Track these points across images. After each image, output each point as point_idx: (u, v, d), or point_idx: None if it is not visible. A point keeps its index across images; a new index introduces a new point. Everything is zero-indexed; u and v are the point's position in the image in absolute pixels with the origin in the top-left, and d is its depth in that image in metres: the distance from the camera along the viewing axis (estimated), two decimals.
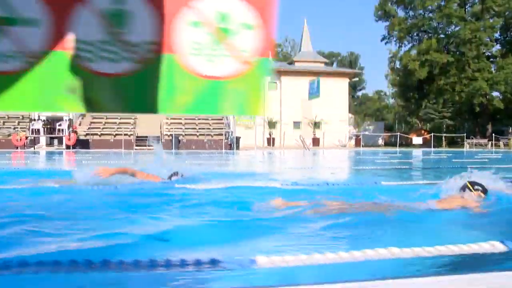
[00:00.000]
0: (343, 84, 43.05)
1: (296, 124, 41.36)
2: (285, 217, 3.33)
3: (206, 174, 5.87)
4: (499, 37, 44.51)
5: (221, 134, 29.91)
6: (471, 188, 3.75)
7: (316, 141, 38.96)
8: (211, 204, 3.89)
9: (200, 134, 30.77)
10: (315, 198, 4.06)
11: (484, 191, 3.74)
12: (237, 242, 2.63)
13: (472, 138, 38.99)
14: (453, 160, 14.82)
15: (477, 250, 2.34)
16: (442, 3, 42.50)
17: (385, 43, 48.40)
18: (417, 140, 35.78)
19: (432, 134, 34.32)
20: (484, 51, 42.34)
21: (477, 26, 39.92)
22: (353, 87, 71.67)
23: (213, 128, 31.36)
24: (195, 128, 31.51)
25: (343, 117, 42.08)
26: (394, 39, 46.97)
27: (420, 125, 53.62)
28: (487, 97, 41.15)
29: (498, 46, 45.11)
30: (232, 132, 29.48)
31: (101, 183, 5.12)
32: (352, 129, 43.54)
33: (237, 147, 29.51)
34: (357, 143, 38.86)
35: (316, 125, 40.23)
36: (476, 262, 2.34)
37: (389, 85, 61.71)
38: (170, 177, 5.60)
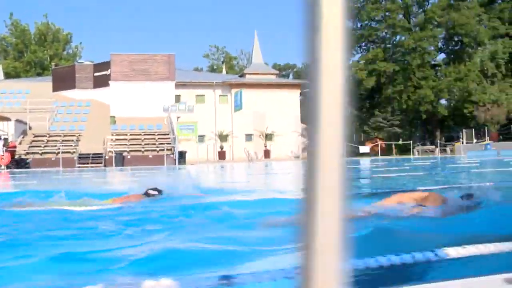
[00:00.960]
0: (294, 95, 43.35)
1: (248, 137, 41.24)
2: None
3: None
4: (443, 46, 45.93)
5: (167, 149, 29.44)
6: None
7: (267, 153, 38.90)
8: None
9: (146, 150, 30.20)
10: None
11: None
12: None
13: (418, 145, 39.78)
14: (374, 169, 14.91)
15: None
16: (387, 14, 43.59)
17: None
18: (364, 149, 36.14)
19: (379, 142, 34.81)
20: (428, 60, 43.55)
21: (419, 35, 41.06)
22: None
23: (159, 144, 30.83)
24: (140, 144, 30.91)
25: (296, 128, 42.25)
26: None
27: (375, 134, 54.50)
28: (433, 104, 42.22)
29: (443, 55, 46.56)
30: (175, 147, 29.05)
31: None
32: (305, 139, 43.71)
33: (183, 162, 29.09)
34: None
35: (268, 137, 40.23)
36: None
37: None
38: (147, 193, 5.45)
